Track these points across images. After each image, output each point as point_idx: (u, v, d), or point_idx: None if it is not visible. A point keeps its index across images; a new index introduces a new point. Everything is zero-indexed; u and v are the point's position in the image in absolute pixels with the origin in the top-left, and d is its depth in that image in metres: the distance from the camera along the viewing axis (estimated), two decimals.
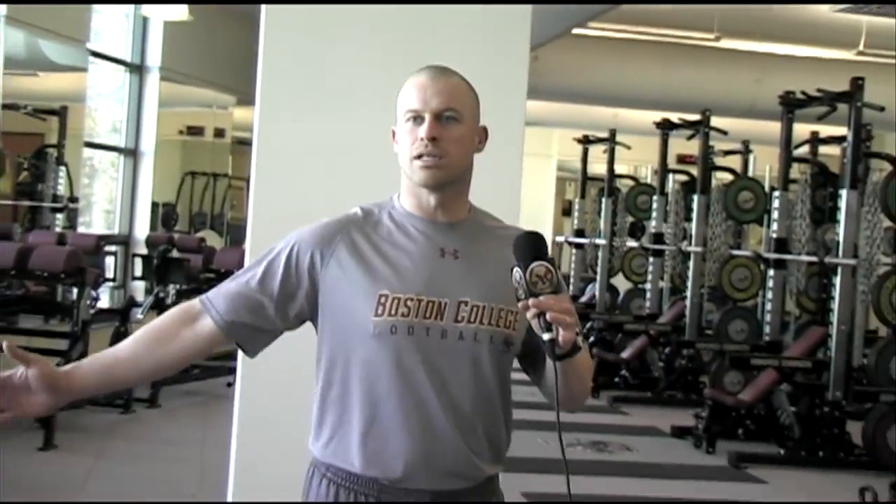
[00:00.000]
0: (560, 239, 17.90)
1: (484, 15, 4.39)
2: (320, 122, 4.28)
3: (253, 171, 4.35)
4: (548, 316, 2.35)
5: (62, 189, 11.28)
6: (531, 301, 2.37)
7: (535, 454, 7.39)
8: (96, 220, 12.82)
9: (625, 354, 12.99)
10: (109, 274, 10.96)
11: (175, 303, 11.18)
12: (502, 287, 2.51)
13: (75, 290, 9.47)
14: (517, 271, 2.42)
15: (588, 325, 13.65)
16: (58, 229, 11.11)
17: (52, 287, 9.84)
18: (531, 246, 2.44)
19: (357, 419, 2.58)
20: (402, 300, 2.55)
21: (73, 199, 11.51)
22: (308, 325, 2.69)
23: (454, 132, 2.60)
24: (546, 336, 2.37)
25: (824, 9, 13.30)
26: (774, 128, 11.53)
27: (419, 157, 2.58)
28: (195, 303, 2.65)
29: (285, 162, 4.28)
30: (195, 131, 14.81)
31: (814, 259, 10.55)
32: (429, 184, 2.61)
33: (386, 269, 2.59)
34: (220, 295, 2.63)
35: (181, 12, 11.83)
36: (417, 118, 2.59)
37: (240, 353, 2.86)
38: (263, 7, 4.36)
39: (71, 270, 9.29)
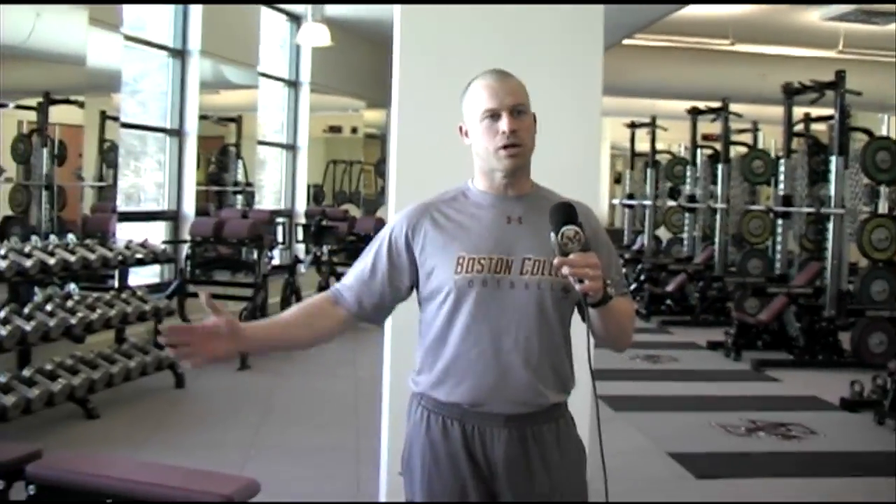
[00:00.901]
0: (615, 202, 17.90)
1: (563, 16, 4.24)
2: (440, 115, 4.26)
3: (392, 161, 4.30)
4: (568, 270, 2.30)
5: (240, 177, 11.46)
6: (557, 260, 2.32)
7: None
8: (267, 200, 12.98)
9: (669, 288, 12.91)
10: (279, 239, 11.07)
11: (329, 259, 11.38)
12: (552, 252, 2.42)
13: (255, 252, 9.61)
14: (552, 235, 2.35)
15: (639, 266, 13.65)
16: (238, 207, 11.29)
17: (238, 250, 9.96)
18: (562, 213, 2.37)
19: (443, 358, 2.51)
20: (477, 259, 2.47)
21: (249, 184, 11.64)
22: None
23: (525, 122, 2.50)
24: (578, 287, 2.32)
25: (815, 18, 13.21)
26: (777, 111, 11.52)
27: (503, 147, 2.47)
28: (333, 294, 2.61)
29: (417, 151, 4.24)
30: (335, 129, 14.92)
31: (812, 210, 10.45)
32: (511, 168, 2.50)
33: (462, 235, 2.51)
34: (346, 289, 2.59)
35: (325, 39, 11.91)
36: (494, 115, 2.48)
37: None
38: (397, 22, 4.30)
39: (252, 237, 9.48)
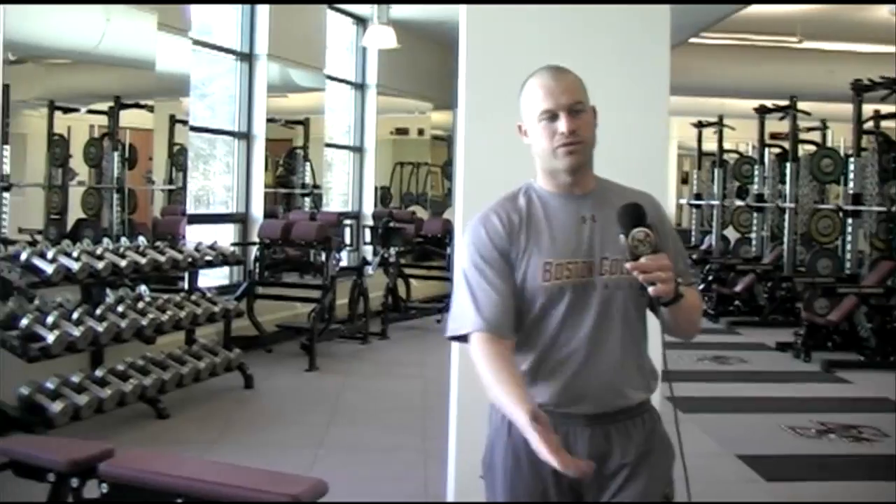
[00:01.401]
0: (682, 202, 17.75)
1: (629, 15, 4.16)
2: (506, 115, 4.22)
3: (460, 162, 4.25)
4: (641, 277, 2.29)
5: (308, 179, 11.52)
6: (629, 264, 2.30)
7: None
8: (335, 202, 13.05)
9: (737, 288, 12.77)
10: (347, 241, 11.12)
11: (396, 261, 11.38)
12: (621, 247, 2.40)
13: (323, 254, 9.62)
14: (622, 237, 2.33)
15: (707, 267, 13.50)
16: (306, 209, 11.36)
17: (306, 252, 10.00)
18: (631, 214, 2.34)
19: (528, 361, 2.49)
20: (564, 265, 2.44)
21: (317, 187, 11.69)
22: None
23: (584, 119, 2.46)
24: (650, 290, 2.30)
25: (884, 13, 12.96)
26: (846, 108, 11.28)
27: (562, 146, 2.44)
28: (492, 336, 2.42)
29: (484, 152, 4.22)
30: (402, 132, 14.92)
31: (882, 209, 10.27)
32: (572, 167, 2.47)
33: (546, 241, 2.47)
34: (495, 321, 2.42)
35: (391, 41, 11.93)
36: (552, 116, 2.45)
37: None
38: (462, 22, 4.28)
39: (320, 239, 9.51)
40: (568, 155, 2.44)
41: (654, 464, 2.51)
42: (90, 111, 8.00)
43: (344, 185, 13.34)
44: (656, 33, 4.12)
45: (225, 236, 9.89)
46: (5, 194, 6.65)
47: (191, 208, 9.25)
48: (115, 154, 7.83)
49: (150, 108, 8.36)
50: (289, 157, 11.51)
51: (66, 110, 7.55)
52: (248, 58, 10.25)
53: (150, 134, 8.48)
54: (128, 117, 8.06)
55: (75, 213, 7.62)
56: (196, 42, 9.14)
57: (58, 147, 7.38)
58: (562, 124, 2.43)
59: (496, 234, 2.50)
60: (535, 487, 2.48)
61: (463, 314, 2.48)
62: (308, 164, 11.46)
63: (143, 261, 6.85)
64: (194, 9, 8.97)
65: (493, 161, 4.09)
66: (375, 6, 11.73)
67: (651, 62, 4.26)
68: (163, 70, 8.24)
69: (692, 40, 12.54)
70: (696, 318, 2.55)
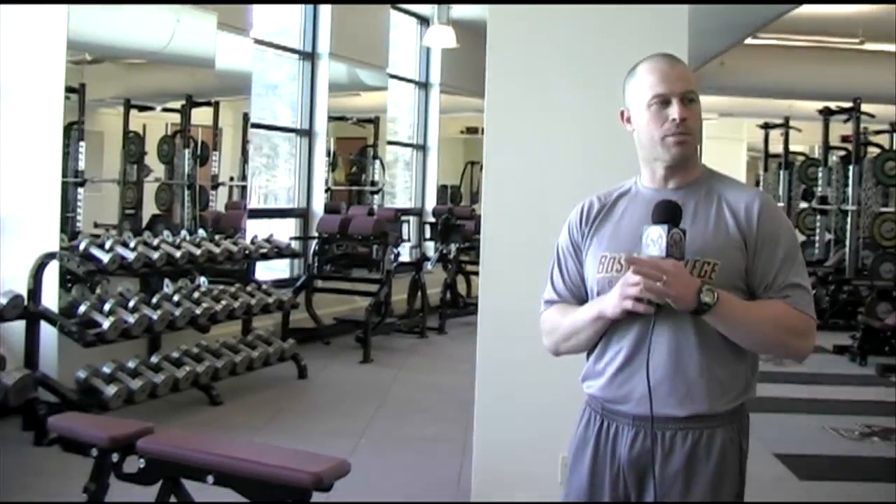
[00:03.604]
0: None
1: (647, 15, 4.17)
2: (529, 114, 4.26)
3: (486, 160, 4.41)
4: (643, 293, 2.21)
5: (377, 176, 11.74)
6: (627, 259, 2.25)
7: None
8: (400, 198, 13.27)
9: None
10: (405, 236, 11.32)
11: (455, 257, 11.55)
12: (710, 241, 2.32)
13: (381, 249, 9.84)
14: (655, 229, 2.22)
15: None
16: (375, 206, 11.59)
17: (367, 247, 10.21)
18: (672, 212, 2.25)
19: (592, 358, 2.47)
20: (617, 259, 2.36)
21: (374, 183, 11.91)
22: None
23: (695, 111, 2.37)
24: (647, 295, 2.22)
25: None
26: None
27: (672, 136, 2.35)
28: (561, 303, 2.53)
29: (510, 148, 4.32)
30: (472, 130, 15.11)
31: None
32: (678, 158, 2.37)
33: (609, 233, 2.43)
34: (564, 298, 2.53)
35: (451, 41, 12.11)
36: (664, 102, 2.35)
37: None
38: (489, 24, 4.38)
39: (377, 234, 9.74)
40: (677, 145, 2.36)
41: (699, 484, 2.37)
42: (164, 109, 8.30)
43: (409, 182, 13.56)
44: (675, 34, 4.17)
45: (287, 231, 10.16)
46: (80, 190, 6.95)
47: (255, 204, 9.52)
48: (187, 151, 8.12)
49: (217, 106, 8.63)
50: (360, 155, 11.76)
51: (142, 108, 7.85)
52: (310, 57, 10.50)
53: (218, 132, 8.76)
54: (199, 115, 8.34)
55: (149, 208, 7.92)
56: (258, 41, 9.41)
57: (133, 144, 7.66)
58: (674, 111, 2.35)
59: (575, 222, 2.52)
60: (589, 480, 2.47)
61: (546, 287, 2.59)
62: (377, 161, 11.68)
63: (197, 252, 7.12)
64: (256, 9, 9.22)
65: (516, 158, 4.25)
66: (436, 6, 11.92)
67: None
68: (226, 69, 8.52)
69: (754, 42, 12.53)
70: (763, 333, 2.35)
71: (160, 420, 5.72)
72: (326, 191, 10.79)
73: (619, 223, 2.44)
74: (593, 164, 3.97)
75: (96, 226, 7.29)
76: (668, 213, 2.25)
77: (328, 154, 10.76)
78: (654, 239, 2.22)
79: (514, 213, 4.29)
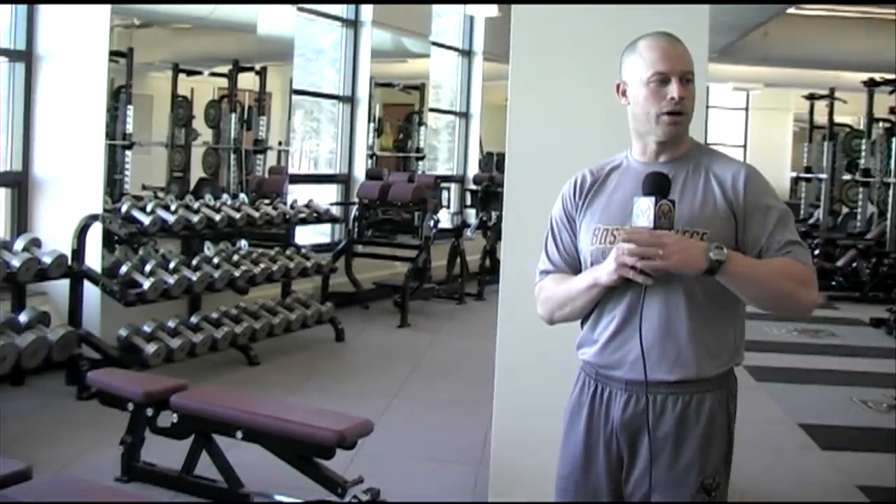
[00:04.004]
0: (792, 175, 17.55)
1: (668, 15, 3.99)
2: (551, 92, 4.33)
3: (509, 138, 4.50)
4: (628, 250, 2.27)
5: (421, 143, 11.86)
6: (623, 234, 2.32)
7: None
8: (441, 165, 13.39)
9: (838, 263, 12.69)
10: (444, 203, 11.45)
11: (495, 224, 11.63)
12: (698, 212, 2.39)
13: (420, 215, 9.96)
14: (644, 200, 2.29)
15: (812, 241, 13.41)
16: (420, 172, 11.72)
17: (408, 212, 10.32)
18: (660, 184, 2.31)
19: (587, 326, 2.55)
20: (610, 230, 2.43)
21: (419, 150, 12.02)
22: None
23: (692, 91, 2.42)
24: (656, 264, 2.27)
25: None
26: None
27: (667, 114, 2.40)
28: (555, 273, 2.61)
29: (531, 124, 4.42)
30: None
31: None
32: (670, 136, 2.43)
33: (602, 205, 2.49)
34: (558, 269, 2.60)
35: (494, 10, 12.17)
36: (664, 80, 2.40)
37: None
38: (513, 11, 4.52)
39: (416, 200, 9.86)
40: (672, 124, 2.42)
41: (688, 446, 2.45)
42: (212, 74, 8.46)
43: (450, 149, 13.68)
44: (695, 32, 4.20)
45: (329, 196, 10.32)
46: (128, 152, 7.14)
47: (297, 168, 9.67)
48: (233, 116, 8.28)
49: (263, 72, 8.76)
50: (406, 121, 11.88)
51: (190, 73, 8.00)
52: (353, 24, 10.61)
53: (263, 97, 8.87)
54: (248, 80, 8.49)
55: (196, 171, 8.09)
56: (301, 8, 9.54)
57: (181, 108, 7.84)
58: (673, 89, 2.40)
59: (569, 195, 2.59)
60: (584, 442, 2.55)
61: (541, 257, 2.66)
62: (423, 128, 11.79)
63: (237, 216, 7.30)
64: None
65: (538, 136, 4.35)
66: None
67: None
68: (267, 34, 8.65)
69: (798, 11, 12.41)
70: (768, 292, 2.40)
71: (198, 379, 5.92)
72: (371, 156, 10.92)
73: (612, 196, 2.50)
74: (611, 133, 4.05)
75: (144, 188, 7.47)
76: (656, 185, 2.31)
77: (374, 120, 10.89)
78: (644, 210, 2.28)
79: (536, 179, 4.38)
